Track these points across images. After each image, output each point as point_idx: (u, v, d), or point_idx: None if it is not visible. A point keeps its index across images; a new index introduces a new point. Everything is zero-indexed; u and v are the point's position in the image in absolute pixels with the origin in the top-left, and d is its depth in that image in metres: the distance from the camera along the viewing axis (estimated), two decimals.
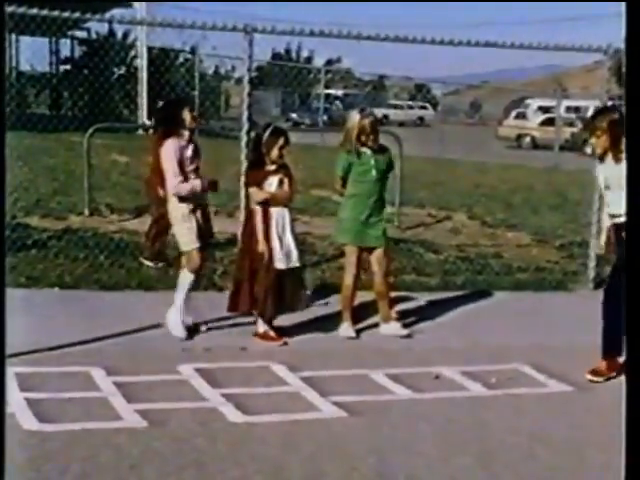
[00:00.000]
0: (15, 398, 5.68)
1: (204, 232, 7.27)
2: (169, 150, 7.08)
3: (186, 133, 7.15)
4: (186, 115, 7.12)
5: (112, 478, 4.70)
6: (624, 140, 6.34)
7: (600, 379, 6.65)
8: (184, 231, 7.21)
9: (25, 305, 7.89)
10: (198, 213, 7.21)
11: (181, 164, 7.05)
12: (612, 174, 6.55)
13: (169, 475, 4.77)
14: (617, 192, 6.43)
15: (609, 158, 6.65)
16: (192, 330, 7.35)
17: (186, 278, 7.32)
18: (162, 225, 9.16)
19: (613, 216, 6.73)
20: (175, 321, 7.27)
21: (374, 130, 7.46)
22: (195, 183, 7.11)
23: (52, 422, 5.35)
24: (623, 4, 3.84)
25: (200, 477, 4.77)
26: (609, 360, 6.71)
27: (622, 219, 6.53)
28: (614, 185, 6.54)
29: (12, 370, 6.13)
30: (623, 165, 6.31)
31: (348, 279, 7.60)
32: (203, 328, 7.44)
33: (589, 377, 6.66)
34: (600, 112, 6.89)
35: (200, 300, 7.63)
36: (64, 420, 5.40)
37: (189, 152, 7.13)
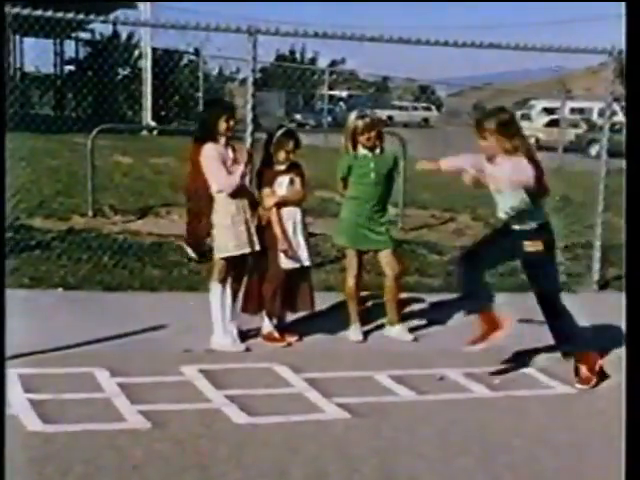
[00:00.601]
0: (18, 399, 5.68)
1: (248, 241, 7.09)
2: (209, 154, 6.96)
3: (222, 139, 7.03)
4: (222, 124, 7.00)
5: (114, 479, 4.70)
6: (516, 141, 6.25)
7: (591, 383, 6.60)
8: (233, 235, 7.00)
9: (28, 306, 7.90)
10: (247, 217, 7.07)
11: (225, 164, 6.97)
12: (502, 176, 6.32)
13: (172, 476, 4.77)
14: (507, 193, 6.36)
15: (499, 159, 6.36)
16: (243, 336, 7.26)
17: (212, 290, 7.17)
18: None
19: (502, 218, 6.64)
20: (217, 340, 7.15)
21: (370, 131, 7.40)
22: (237, 177, 6.96)
23: (55, 423, 5.36)
24: (623, 4, 3.84)
25: (203, 479, 4.77)
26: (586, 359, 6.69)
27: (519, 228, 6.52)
28: (505, 188, 6.38)
29: (15, 371, 6.14)
30: (512, 165, 6.22)
31: (350, 281, 7.60)
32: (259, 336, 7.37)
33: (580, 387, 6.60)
34: (489, 114, 6.62)
35: (204, 300, 7.62)
36: (67, 421, 5.40)
37: (229, 155, 7.06)
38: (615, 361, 6.79)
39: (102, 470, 4.78)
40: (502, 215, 6.56)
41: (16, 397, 5.72)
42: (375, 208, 7.48)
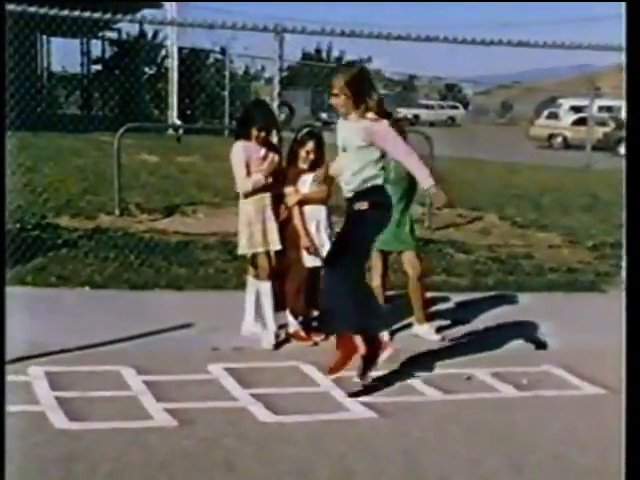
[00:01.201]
0: (45, 397, 5.70)
1: (270, 237, 7.14)
2: (234, 152, 7.07)
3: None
4: (253, 131, 6.99)
5: (141, 477, 4.71)
6: (371, 99, 5.88)
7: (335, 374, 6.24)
8: (246, 233, 7.11)
9: (55, 304, 7.95)
10: (265, 216, 7.10)
11: (248, 165, 7.01)
12: (349, 135, 6.04)
13: (198, 474, 4.77)
14: (353, 154, 5.99)
15: (352, 117, 5.98)
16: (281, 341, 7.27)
17: (262, 286, 7.22)
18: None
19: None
20: (246, 327, 7.30)
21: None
22: (257, 177, 7.03)
23: (82, 421, 5.37)
24: (623, 4, 3.79)
25: (229, 477, 4.77)
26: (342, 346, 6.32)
27: (350, 188, 6.00)
28: (351, 146, 6.02)
29: (42, 369, 6.17)
30: (363, 124, 5.88)
31: (375, 280, 7.57)
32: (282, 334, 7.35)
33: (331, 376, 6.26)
34: (338, 69, 6.37)
35: (231, 299, 7.63)
36: (94, 419, 5.42)
37: (260, 153, 7.07)
38: None
39: (129, 468, 4.78)
40: (344, 182, 6.13)
41: (43, 395, 5.74)
42: (397, 207, 7.42)
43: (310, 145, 7.16)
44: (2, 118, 5.13)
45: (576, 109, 39.06)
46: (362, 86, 5.93)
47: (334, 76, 6.03)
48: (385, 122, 5.94)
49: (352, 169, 5.98)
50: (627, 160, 3.93)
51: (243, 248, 7.19)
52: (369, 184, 5.97)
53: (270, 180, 7.09)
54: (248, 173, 7.00)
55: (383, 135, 5.93)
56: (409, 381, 6.47)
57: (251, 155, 7.03)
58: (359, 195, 5.97)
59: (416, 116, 45.35)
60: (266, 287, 7.17)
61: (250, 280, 7.36)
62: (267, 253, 7.14)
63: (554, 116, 40.30)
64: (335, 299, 6.12)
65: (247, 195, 7.07)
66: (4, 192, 4.69)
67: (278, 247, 7.12)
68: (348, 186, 6.03)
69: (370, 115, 5.91)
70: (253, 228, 7.07)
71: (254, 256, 7.19)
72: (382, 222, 6.23)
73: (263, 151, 7.08)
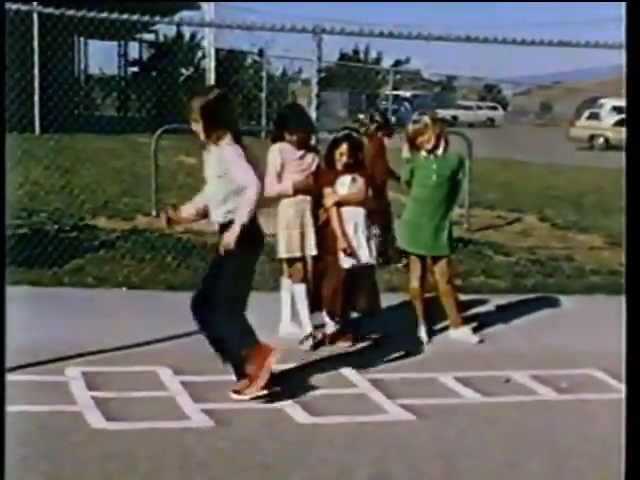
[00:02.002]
0: (83, 397, 5.71)
1: (308, 243, 7.12)
2: (270, 154, 7.07)
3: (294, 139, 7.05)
4: (286, 136, 6.99)
5: (179, 477, 4.70)
6: (220, 130, 5.64)
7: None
8: (284, 237, 7.10)
9: (93, 305, 7.98)
10: (304, 221, 7.08)
11: (283, 167, 7.00)
12: (208, 163, 5.84)
13: (236, 475, 4.75)
14: (214, 183, 5.79)
15: (210, 144, 5.76)
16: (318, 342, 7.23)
17: (296, 289, 7.23)
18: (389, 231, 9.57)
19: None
20: (282, 329, 7.27)
21: (426, 134, 7.31)
22: (285, 185, 7.04)
23: (119, 421, 5.37)
24: (623, 4, 3.72)
25: (266, 478, 4.75)
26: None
27: (217, 220, 5.79)
28: (212, 176, 5.82)
29: (79, 369, 6.19)
30: (217, 152, 5.66)
31: (414, 282, 7.53)
32: (319, 335, 7.31)
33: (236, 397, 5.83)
34: (197, 93, 6.08)
35: (267, 300, 7.60)
36: (131, 419, 5.42)
37: (297, 154, 7.06)
38: None
39: (166, 468, 4.78)
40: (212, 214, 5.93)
41: (80, 395, 5.75)
42: (437, 211, 7.38)
43: (344, 147, 7.13)
44: (2, 118, 5.14)
45: (618, 109, 38.63)
46: (214, 113, 5.70)
47: (193, 100, 5.85)
48: (231, 148, 5.64)
49: (216, 200, 5.78)
50: (627, 160, 3.86)
51: (281, 252, 7.16)
52: (233, 216, 5.66)
53: (309, 181, 7.08)
54: (279, 176, 6.99)
55: (228, 161, 5.66)
56: (447, 383, 6.41)
57: (287, 157, 7.02)
58: (224, 228, 5.71)
59: (454, 117, 45.16)
60: (300, 289, 7.16)
61: (285, 281, 7.34)
62: (303, 257, 7.14)
63: (595, 117, 39.87)
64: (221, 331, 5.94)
65: (281, 197, 7.03)
66: (4, 192, 4.71)
67: (314, 253, 7.10)
68: (216, 218, 5.83)
69: (225, 141, 5.66)
70: (292, 232, 7.05)
71: (290, 258, 7.17)
72: (250, 258, 5.93)
73: (301, 152, 7.06)
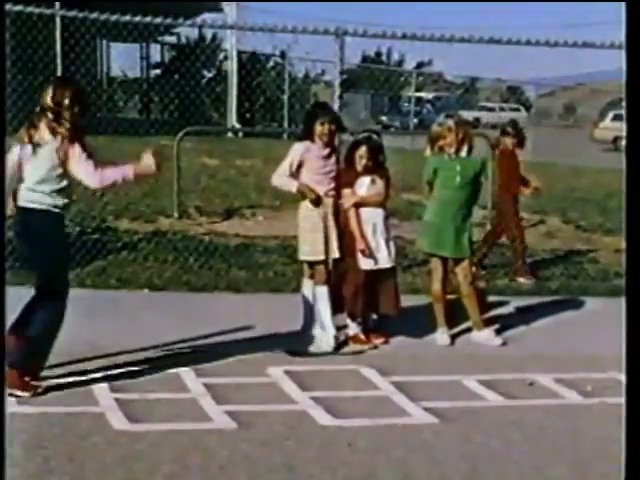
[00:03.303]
0: (105, 398, 5.71)
1: (331, 246, 7.09)
2: (292, 149, 7.09)
3: (320, 141, 7.01)
4: (317, 127, 6.98)
5: (201, 479, 4.69)
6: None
7: None
8: (309, 240, 7.07)
9: (115, 307, 7.99)
10: (328, 224, 7.05)
11: (301, 165, 7.00)
12: None
13: (258, 477, 4.73)
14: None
15: None
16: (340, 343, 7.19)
17: (320, 295, 7.16)
18: (523, 243, 10.05)
19: None
20: (319, 338, 7.14)
21: (449, 135, 7.27)
22: (289, 181, 7.04)
23: (142, 422, 5.37)
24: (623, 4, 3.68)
25: None
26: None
27: None
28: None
29: (101, 371, 6.19)
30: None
31: (435, 284, 7.50)
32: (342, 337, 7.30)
33: None
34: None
35: (290, 302, 7.59)
36: (154, 420, 5.41)
37: (323, 152, 7.02)
38: None
39: (189, 470, 4.76)
40: None
41: (103, 396, 5.75)
42: (459, 213, 7.36)
43: (363, 149, 7.12)
44: (2, 118, 5.14)
45: None
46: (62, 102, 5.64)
47: None
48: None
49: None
50: (627, 159, 3.82)
51: (305, 254, 7.14)
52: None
53: (332, 185, 7.05)
54: (292, 175, 7.00)
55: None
56: (471, 386, 6.37)
57: (310, 157, 6.99)
58: None
59: (477, 119, 44.95)
60: (323, 291, 7.12)
61: (306, 283, 7.29)
62: (326, 259, 7.11)
63: (620, 118, 39.57)
64: None
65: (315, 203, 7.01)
66: (4, 192, 4.71)
67: (337, 256, 7.08)
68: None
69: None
70: (317, 235, 7.02)
71: (313, 261, 7.15)
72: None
73: (326, 152, 7.03)
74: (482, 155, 7.73)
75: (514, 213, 10.06)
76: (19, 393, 5.61)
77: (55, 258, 5.80)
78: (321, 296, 7.14)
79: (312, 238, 7.03)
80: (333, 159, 7.10)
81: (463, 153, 7.34)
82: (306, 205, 7.05)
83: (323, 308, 7.14)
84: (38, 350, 5.80)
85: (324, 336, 7.10)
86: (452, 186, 7.33)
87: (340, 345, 7.13)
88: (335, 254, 7.08)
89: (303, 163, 7.00)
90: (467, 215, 7.44)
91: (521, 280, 9.78)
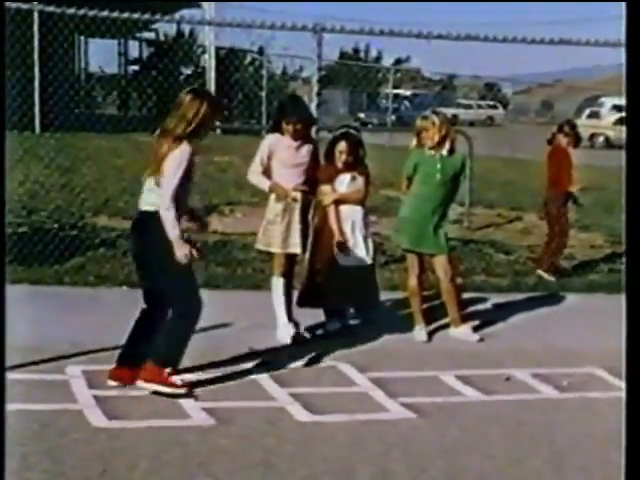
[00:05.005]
0: (84, 395, 5.71)
1: (292, 241, 7.11)
2: (262, 143, 7.16)
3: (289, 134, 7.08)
4: (284, 125, 7.01)
5: (180, 475, 4.69)
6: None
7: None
8: (266, 230, 7.14)
9: (94, 303, 7.98)
10: (291, 218, 7.07)
11: (270, 157, 7.05)
12: None
13: (237, 473, 4.74)
14: None
15: None
16: (297, 339, 7.18)
17: (274, 283, 7.25)
18: (562, 240, 10.08)
19: None
20: (279, 329, 7.20)
21: (430, 131, 7.31)
22: (261, 180, 7.08)
23: (120, 419, 5.36)
24: (623, 4, 3.71)
25: (268, 476, 4.74)
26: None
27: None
28: None
29: (80, 368, 6.18)
30: None
31: (411, 281, 7.52)
32: (307, 335, 7.33)
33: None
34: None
35: (268, 299, 7.60)
36: (132, 417, 5.41)
37: (293, 146, 7.05)
38: None
39: (167, 466, 4.77)
40: None
41: (81, 393, 5.74)
42: (438, 210, 7.38)
43: (343, 145, 7.13)
44: (2, 118, 5.12)
45: (619, 108, 38.57)
46: None
47: None
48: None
49: None
50: (627, 159, 3.86)
51: (259, 243, 7.24)
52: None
53: (302, 178, 7.07)
54: (265, 167, 7.05)
55: None
56: (449, 382, 6.41)
57: (278, 149, 7.04)
58: None
59: (455, 116, 45.06)
60: (277, 283, 7.18)
61: (276, 278, 7.25)
62: (288, 254, 7.14)
63: (596, 115, 39.81)
64: None
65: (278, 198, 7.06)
66: (4, 192, 4.70)
67: (298, 251, 7.10)
68: None
69: None
70: (274, 227, 7.05)
71: (272, 253, 7.23)
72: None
73: (296, 144, 7.05)
74: (461, 154, 7.74)
75: (560, 210, 10.09)
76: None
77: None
78: (275, 288, 7.19)
79: (269, 229, 7.10)
80: (304, 152, 7.11)
81: (444, 151, 7.36)
82: (273, 197, 7.11)
83: (276, 300, 7.19)
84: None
85: (280, 329, 7.15)
86: (432, 182, 7.34)
87: (307, 340, 7.16)
88: (296, 249, 7.09)
89: (272, 155, 7.04)
90: (444, 212, 7.48)
91: (541, 273, 9.92)
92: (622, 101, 38.26)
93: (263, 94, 28.47)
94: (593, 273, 10.28)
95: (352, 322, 7.57)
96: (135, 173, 15.11)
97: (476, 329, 7.65)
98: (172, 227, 5.58)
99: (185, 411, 5.58)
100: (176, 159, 5.64)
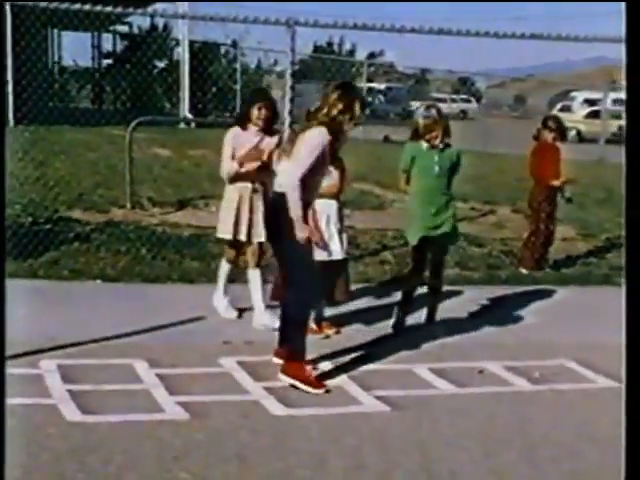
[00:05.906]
0: (58, 390, 5.70)
1: (247, 226, 7.22)
2: (226, 137, 7.26)
3: (254, 127, 7.18)
4: (253, 112, 7.11)
5: (155, 469, 4.70)
6: None
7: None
8: (222, 218, 7.32)
9: (68, 298, 7.95)
10: (253, 206, 7.18)
11: (234, 150, 7.17)
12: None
13: (212, 467, 4.75)
14: None
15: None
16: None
17: (221, 268, 7.61)
18: (546, 236, 10.10)
19: None
20: (219, 306, 7.55)
21: (434, 130, 7.34)
22: (231, 165, 7.16)
23: (95, 414, 5.36)
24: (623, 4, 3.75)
25: (242, 469, 4.75)
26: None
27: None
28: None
29: (55, 362, 6.17)
30: None
31: (414, 279, 7.57)
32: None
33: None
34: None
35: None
36: (107, 412, 5.40)
37: (254, 140, 7.15)
38: None
39: (142, 460, 4.77)
40: None
41: (56, 388, 5.73)
42: (442, 197, 7.42)
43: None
44: (2, 117, 5.11)
45: (590, 102, 38.82)
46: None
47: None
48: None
49: None
50: (627, 158, 3.90)
51: (218, 231, 7.41)
52: None
53: (255, 167, 7.16)
54: (233, 158, 7.17)
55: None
56: (422, 374, 6.45)
57: (238, 142, 7.17)
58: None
59: None
60: (253, 274, 7.39)
61: (223, 263, 7.63)
62: (257, 243, 7.28)
63: (567, 109, 40.02)
64: None
65: (230, 181, 7.26)
66: (4, 191, 4.68)
67: (262, 239, 7.14)
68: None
69: None
70: (231, 214, 7.22)
71: (229, 241, 7.40)
72: None
73: (257, 139, 7.15)
74: (456, 148, 7.75)
75: (541, 205, 10.14)
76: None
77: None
78: (251, 279, 7.40)
79: (224, 217, 7.29)
80: (266, 144, 7.17)
81: (440, 144, 7.39)
82: (228, 187, 7.28)
83: (253, 291, 7.37)
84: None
85: (220, 306, 7.54)
86: (431, 175, 7.36)
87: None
88: (261, 238, 7.13)
89: (235, 150, 7.15)
90: (449, 199, 7.52)
91: (523, 271, 9.98)
92: (593, 95, 38.54)
93: (237, 87, 28.43)
94: (566, 266, 10.36)
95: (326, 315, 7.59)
96: (109, 166, 15.17)
97: (451, 322, 7.69)
98: (296, 207, 5.70)
99: (159, 405, 5.58)
100: (313, 142, 5.75)
